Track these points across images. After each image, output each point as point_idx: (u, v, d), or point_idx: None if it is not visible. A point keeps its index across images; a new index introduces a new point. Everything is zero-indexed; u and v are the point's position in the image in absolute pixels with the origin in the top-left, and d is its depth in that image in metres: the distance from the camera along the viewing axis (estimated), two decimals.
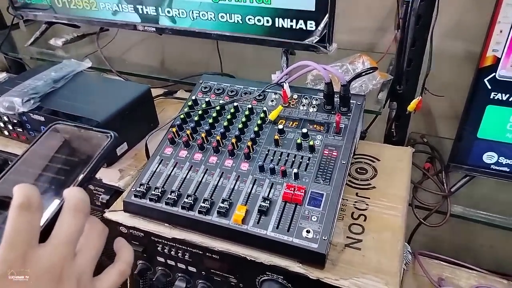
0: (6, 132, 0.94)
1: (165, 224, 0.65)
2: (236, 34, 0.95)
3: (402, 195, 0.69)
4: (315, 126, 0.71)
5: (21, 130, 0.91)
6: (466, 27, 0.97)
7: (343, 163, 0.65)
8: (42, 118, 0.85)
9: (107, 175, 0.83)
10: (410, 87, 0.91)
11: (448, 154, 1.03)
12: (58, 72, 0.96)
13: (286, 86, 0.73)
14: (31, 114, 0.86)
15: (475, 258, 1.13)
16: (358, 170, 0.75)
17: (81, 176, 0.39)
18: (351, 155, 0.67)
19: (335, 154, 0.66)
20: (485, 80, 0.76)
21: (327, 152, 0.67)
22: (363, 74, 0.78)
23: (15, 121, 0.90)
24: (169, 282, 0.73)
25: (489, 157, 0.87)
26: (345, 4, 0.88)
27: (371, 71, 0.83)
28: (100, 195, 0.81)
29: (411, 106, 0.84)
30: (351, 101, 0.72)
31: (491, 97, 0.77)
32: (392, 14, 1.08)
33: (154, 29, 1.07)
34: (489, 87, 0.76)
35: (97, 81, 0.98)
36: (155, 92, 1.06)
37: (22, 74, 1.00)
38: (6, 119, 0.91)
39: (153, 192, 0.66)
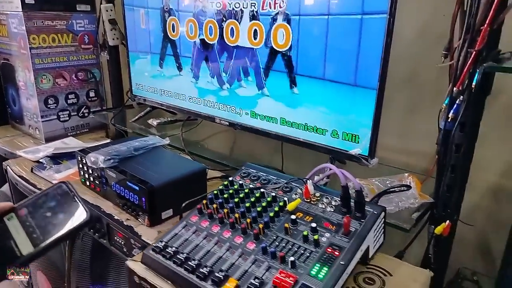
0: (87, 183, 1.15)
1: (168, 282, 0.72)
2: (295, 137, 1.08)
3: None
4: (327, 224, 0.74)
5: (98, 182, 1.11)
6: None
7: (342, 264, 0.65)
8: (114, 175, 1.03)
9: (147, 233, 0.94)
10: (448, 213, 0.88)
11: None
12: (140, 143, 1.17)
13: (309, 183, 0.79)
14: (108, 170, 1.05)
15: None
16: (366, 279, 0.73)
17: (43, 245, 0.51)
18: (355, 261, 0.68)
19: (337, 253, 0.67)
20: None
21: (330, 250, 0.68)
22: (391, 191, 0.82)
23: (96, 174, 1.10)
24: None
25: None
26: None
27: (404, 188, 0.86)
28: (134, 248, 0.92)
29: (438, 229, 0.83)
30: (367, 208, 0.75)
31: None
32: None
33: (227, 123, 1.25)
34: None
35: (168, 155, 1.16)
36: (215, 173, 1.21)
37: (114, 141, 1.24)
38: (90, 171, 1.12)
39: (167, 250, 0.74)
